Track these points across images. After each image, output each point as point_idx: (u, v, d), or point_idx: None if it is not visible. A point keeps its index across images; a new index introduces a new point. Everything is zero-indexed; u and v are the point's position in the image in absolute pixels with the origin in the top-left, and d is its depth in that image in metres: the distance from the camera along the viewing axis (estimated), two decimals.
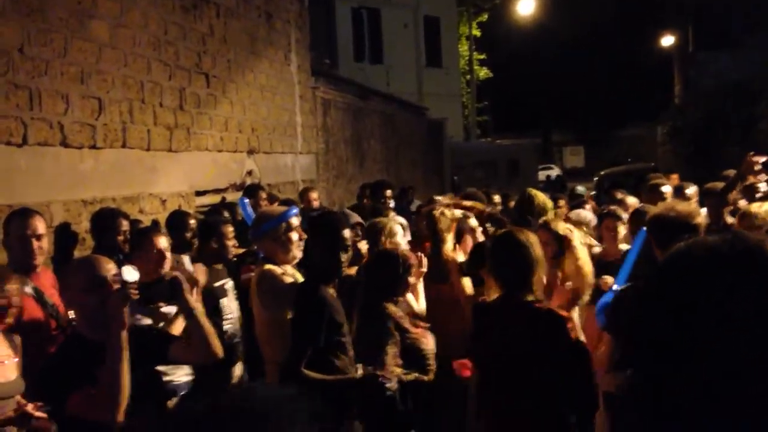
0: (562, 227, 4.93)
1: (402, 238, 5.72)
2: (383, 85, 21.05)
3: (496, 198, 8.91)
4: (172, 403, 3.69)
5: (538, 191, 6.50)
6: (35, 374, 3.19)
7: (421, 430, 4.13)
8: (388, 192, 8.33)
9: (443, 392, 4.45)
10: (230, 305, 4.79)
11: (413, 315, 4.48)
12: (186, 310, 3.02)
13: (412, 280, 4.37)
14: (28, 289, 3.79)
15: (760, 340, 1.11)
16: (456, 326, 4.94)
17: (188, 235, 5.26)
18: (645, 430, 1.21)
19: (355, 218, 5.49)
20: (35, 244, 3.97)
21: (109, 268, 2.97)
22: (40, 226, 4.04)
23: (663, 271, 1.26)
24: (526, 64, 41.76)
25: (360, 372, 3.62)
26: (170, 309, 3.99)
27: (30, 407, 3.01)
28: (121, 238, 4.79)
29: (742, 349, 1.12)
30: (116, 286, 2.91)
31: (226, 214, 6.15)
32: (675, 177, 10.14)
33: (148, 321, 3.85)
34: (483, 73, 32.25)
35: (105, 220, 4.91)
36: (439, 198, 7.86)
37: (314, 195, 8.01)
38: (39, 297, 3.80)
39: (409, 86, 26.13)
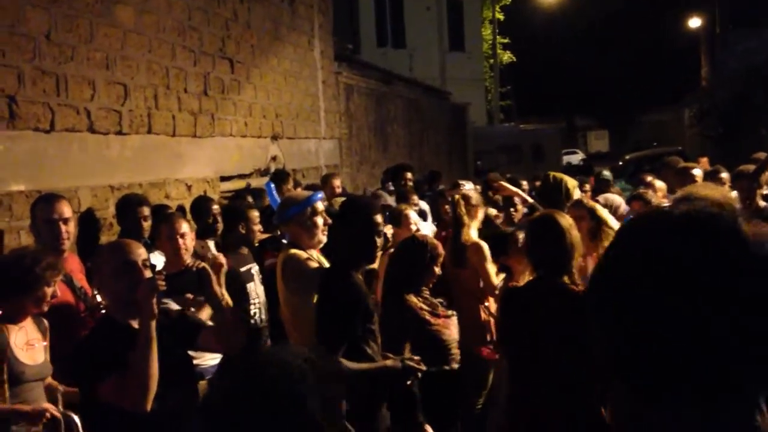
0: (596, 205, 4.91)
1: (422, 224, 5.71)
2: (406, 70, 20.97)
3: (524, 184, 8.81)
4: (200, 386, 3.70)
5: (557, 173, 6.45)
6: (65, 357, 3.23)
7: (440, 418, 4.10)
8: (409, 175, 8.26)
9: (463, 379, 4.41)
10: (256, 290, 4.81)
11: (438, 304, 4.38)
12: (214, 302, 3.00)
13: (437, 270, 4.30)
14: None
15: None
16: (473, 311, 4.91)
17: (210, 220, 5.29)
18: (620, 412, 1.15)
19: (385, 199, 5.47)
20: (63, 228, 3.99)
21: (140, 252, 2.98)
22: (66, 210, 4.06)
23: (615, 239, 1.14)
24: (549, 48, 41.33)
25: (390, 362, 3.57)
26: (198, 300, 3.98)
27: (49, 407, 3.08)
28: (142, 224, 4.83)
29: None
30: (147, 272, 2.92)
31: (250, 199, 6.17)
32: (705, 160, 9.97)
33: (177, 307, 3.85)
34: (506, 57, 31.97)
35: (126, 206, 4.95)
36: (463, 182, 7.81)
37: (337, 182, 7.95)
38: (68, 280, 3.83)
39: (432, 71, 26.00)
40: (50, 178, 4.72)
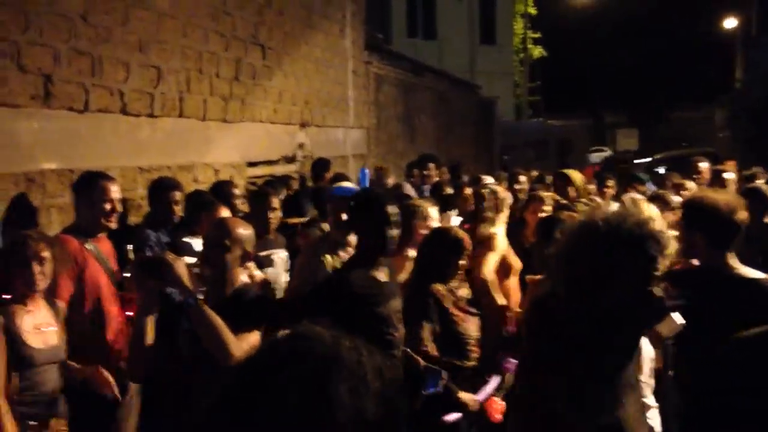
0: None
1: (454, 219, 5.70)
2: (435, 62, 20.89)
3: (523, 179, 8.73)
4: None
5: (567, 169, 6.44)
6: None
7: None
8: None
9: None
10: (277, 276, 4.82)
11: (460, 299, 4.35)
12: (183, 292, 2.91)
13: (462, 263, 4.28)
14: (90, 246, 3.87)
15: None
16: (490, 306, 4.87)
17: (237, 203, 5.35)
18: None
19: (408, 191, 5.46)
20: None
21: (224, 233, 3.08)
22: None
23: None
24: (580, 44, 40.91)
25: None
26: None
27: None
28: (172, 207, 4.88)
29: None
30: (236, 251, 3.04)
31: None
32: (732, 164, 9.83)
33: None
34: (537, 52, 31.74)
35: (159, 189, 5.00)
36: (485, 177, 7.81)
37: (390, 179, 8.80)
38: (98, 255, 3.88)
39: (462, 63, 25.90)
40: (82, 158, 4.79)
